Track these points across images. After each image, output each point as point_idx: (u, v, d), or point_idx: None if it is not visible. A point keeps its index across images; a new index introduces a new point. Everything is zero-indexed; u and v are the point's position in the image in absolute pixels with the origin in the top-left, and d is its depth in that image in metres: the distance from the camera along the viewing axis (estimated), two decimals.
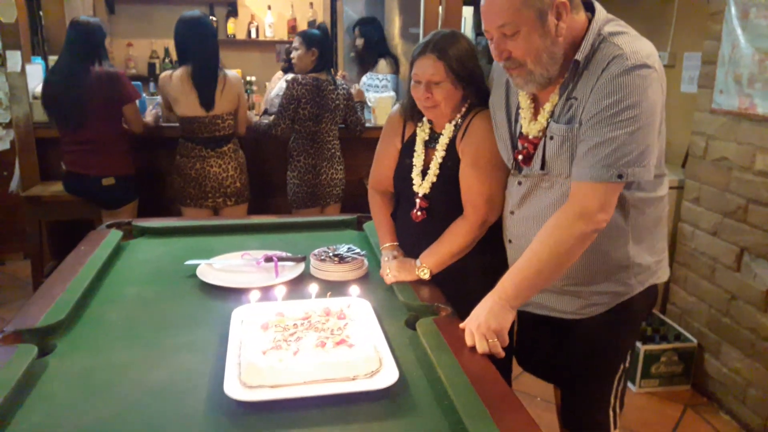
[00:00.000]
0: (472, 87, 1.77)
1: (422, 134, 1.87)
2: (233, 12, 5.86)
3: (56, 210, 3.47)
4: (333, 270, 1.80)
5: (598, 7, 1.48)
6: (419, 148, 1.86)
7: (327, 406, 1.19)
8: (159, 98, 3.91)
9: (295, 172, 3.47)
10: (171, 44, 5.94)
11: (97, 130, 3.23)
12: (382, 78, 4.18)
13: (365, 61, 4.37)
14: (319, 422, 1.16)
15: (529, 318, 1.76)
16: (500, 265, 1.72)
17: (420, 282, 1.78)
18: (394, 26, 5.12)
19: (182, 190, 3.33)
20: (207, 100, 3.17)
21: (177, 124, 3.37)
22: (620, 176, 1.38)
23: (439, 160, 1.81)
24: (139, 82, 3.86)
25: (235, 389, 1.19)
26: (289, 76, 4.14)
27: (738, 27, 2.46)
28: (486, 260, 1.81)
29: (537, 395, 2.64)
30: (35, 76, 3.74)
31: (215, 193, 3.30)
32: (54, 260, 3.69)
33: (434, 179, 1.82)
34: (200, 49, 3.14)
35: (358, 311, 1.49)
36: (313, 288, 1.58)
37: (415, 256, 1.84)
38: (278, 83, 4.09)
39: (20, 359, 1.28)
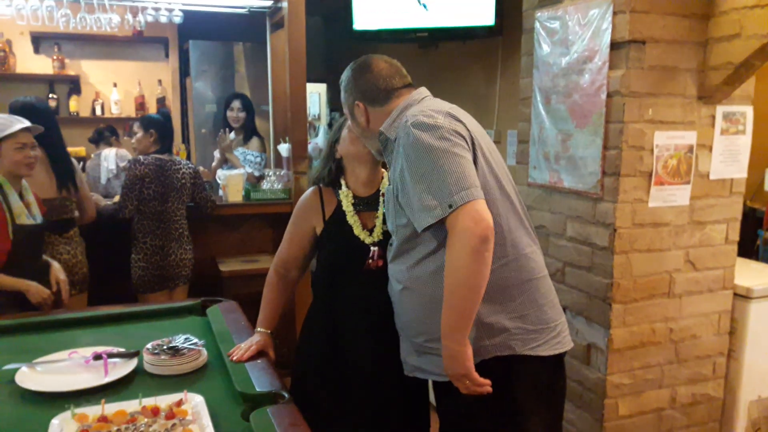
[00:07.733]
0: None
1: (347, 200, 1.97)
2: (76, 89, 5.66)
3: None
4: (168, 364, 1.75)
5: (415, 93, 1.76)
6: (350, 209, 1.95)
7: None
8: None
9: (140, 255, 3.35)
10: None
11: None
12: (257, 155, 4.19)
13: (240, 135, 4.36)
14: None
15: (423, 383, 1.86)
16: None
17: (260, 367, 1.78)
18: None
19: None
20: (66, 180, 3.07)
21: None
22: (450, 206, 1.45)
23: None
24: None
25: None
26: (109, 151, 4.12)
27: (543, 111, 2.80)
28: None
29: None
30: None
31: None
32: None
33: (383, 228, 1.91)
34: (51, 134, 3.01)
35: (189, 408, 1.47)
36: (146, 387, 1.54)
37: (382, 316, 1.84)
38: (105, 162, 3.99)
39: None
